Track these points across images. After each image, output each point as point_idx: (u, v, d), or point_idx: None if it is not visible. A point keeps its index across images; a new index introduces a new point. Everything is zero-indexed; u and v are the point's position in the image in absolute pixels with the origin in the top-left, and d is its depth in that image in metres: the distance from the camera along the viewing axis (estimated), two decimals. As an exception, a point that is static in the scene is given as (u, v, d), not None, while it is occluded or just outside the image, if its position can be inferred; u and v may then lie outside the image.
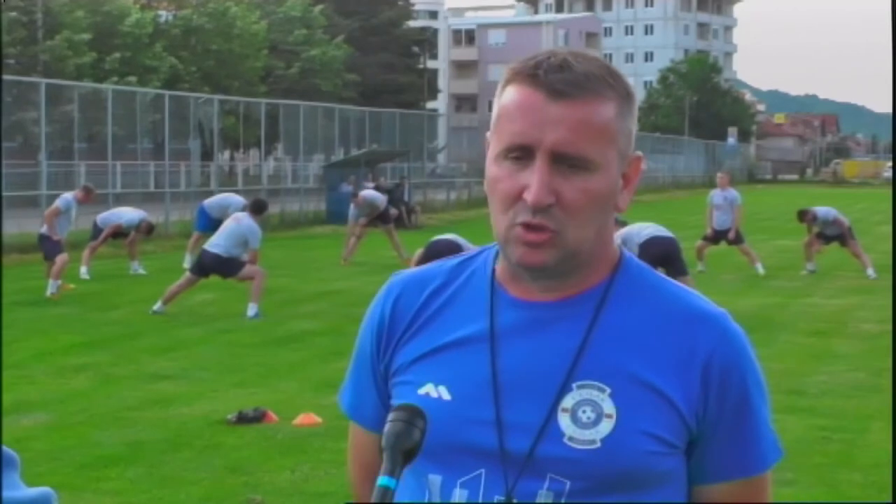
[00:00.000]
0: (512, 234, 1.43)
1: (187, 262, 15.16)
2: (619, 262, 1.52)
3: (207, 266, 12.11)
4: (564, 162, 1.41)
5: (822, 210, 16.76)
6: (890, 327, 10.98)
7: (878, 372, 9.10)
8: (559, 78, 1.41)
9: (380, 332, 1.57)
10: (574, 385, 1.45)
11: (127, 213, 16.16)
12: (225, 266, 12.06)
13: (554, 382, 1.45)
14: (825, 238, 16.77)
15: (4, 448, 1.29)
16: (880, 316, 12.23)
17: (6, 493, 1.26)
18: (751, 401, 1.49)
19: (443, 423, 1.41)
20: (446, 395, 1.48)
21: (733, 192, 17.09)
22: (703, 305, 1.51)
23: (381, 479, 1.30)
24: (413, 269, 1.62)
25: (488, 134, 1.49)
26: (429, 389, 1.49)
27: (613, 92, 1.44)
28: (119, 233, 15.83)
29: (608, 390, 1.44)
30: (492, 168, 1.45)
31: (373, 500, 1.30)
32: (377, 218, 18.49)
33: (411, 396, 1.50)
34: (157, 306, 12.16)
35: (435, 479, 1.48)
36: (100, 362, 9.54)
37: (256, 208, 12.73)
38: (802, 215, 16.82)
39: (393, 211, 20.29)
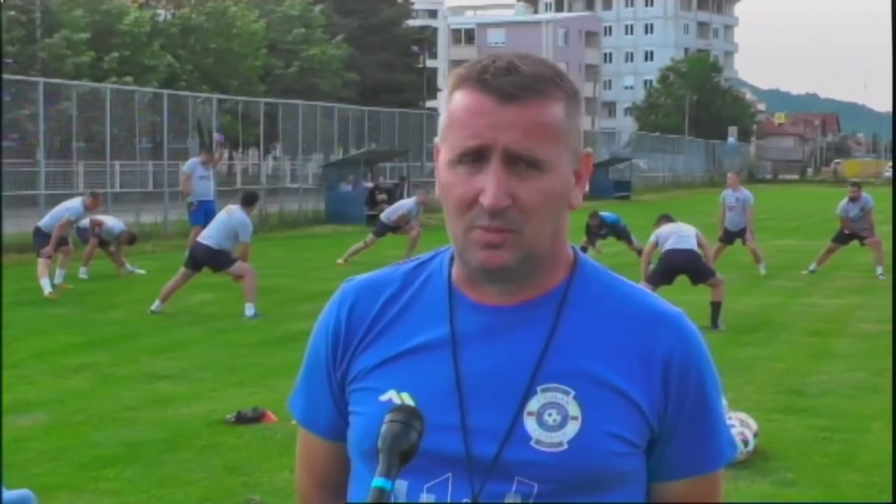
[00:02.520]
0: (470, 237, 1.44)
1: None
2: (575, 263, 1.53)
3: (199, 258, 12.11)
4: (518, 163, 1.42)
5: (865, 195, 16.81)
6: (890, 327, 10.97)
7: (878, 372, 9.09)
8: (508, 81, 1.42)
9: (336, 340, 1.57)
10: (538, 388, 1.45)
11: (108, 221, 16.00)
12: (216, 259, 12.04)
13: (518, 386, 1.46)
14: (845, 238, 16.77)
15: None
16: (880, 316, 12.22)
17: None
18: (708, 399, 1.51)
19: None
20: (409, 401, 1.47)
21: (745, 192, 17.13)
22: (660, 305, 1.53)
23: (377, 481, 1.30)
24: (366, 275, 1.61)
25: (436, 141, 1.50)
26: (391, 395, 1.49)
27: (561, 92, 1.45)
28: (101, 241, 15.71)
29: (572, 392, 1.45)
30: (445, 174, 1.46)
31: (368, 501, 1.29)
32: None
33: (372, 403, 1.50)
34: (155, 305, 12.16)
35: (401, 485, 1.47)
36: (98, 362, 9.52)
37: (247, 201, 12.70)
38: (855, 187, 16.88)
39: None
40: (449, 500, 1.45)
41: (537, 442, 1.44)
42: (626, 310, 1.50)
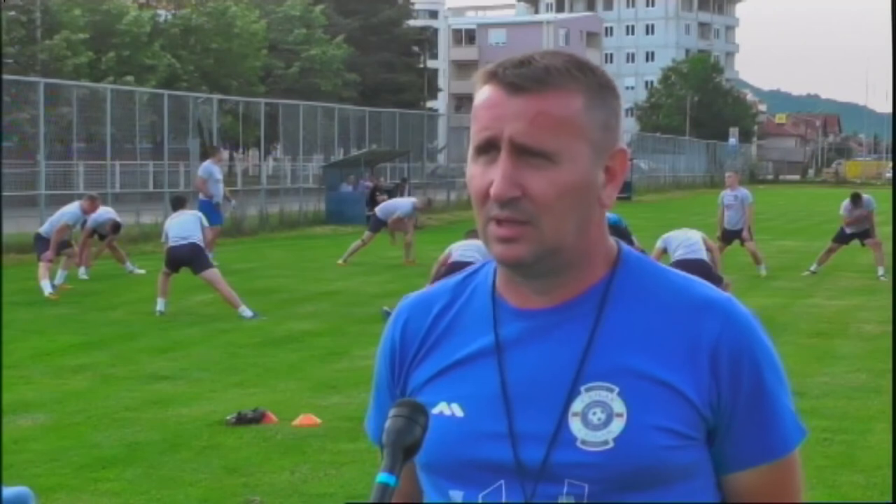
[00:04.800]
0: (488, 230, 1.45)
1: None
2: (618, 258, 1.51)
3: (183, 259, 12.22)
4: (527, 154, 1.41)
5: (867, 197, 16.77)
6: (891, 328, 10.95)
7: (879, 373, 9.07)
8: (517, 73, 1.42)
9: (392, 358, 1.59)
10: (582, 388, 1.45)
11: (97, 214, 15.93)
12: (199, 255, 12.25)
13: (562, 388, 1.45)
14: (846, 238, 16.75)
15: None
16: (881, 317, 12.20)
17: None
18: (766, 383, 1.48)
19: (458, 440, 1.42)
20: (459, 413, 1.48)
21: (743, 191, 17.15)
22: (707, 292, 1.50)
23: (381, 476, 1.30)
24: (420, 292, 1.63)
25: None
26: (442, 408, 1.50)
27: (579, 84, 1.44)
28: (98, 233, 15.72)
29: (616, 389, 1.44)
30: (469, 168, 1.47)
31: (372, 498, 1.28)
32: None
33: None
34: (159, 306, 12.18)
35: (456, 495, 1.48)
36: (98, 363, 9.51)
37: (180, 204, 13.53)
38: (855, 197, 16.74)
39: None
40: None
41: (583, 442, 1.42)
42: (670, 300, 1.48)
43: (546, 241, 1.42)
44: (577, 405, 1.44)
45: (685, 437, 1.43)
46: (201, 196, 18.19)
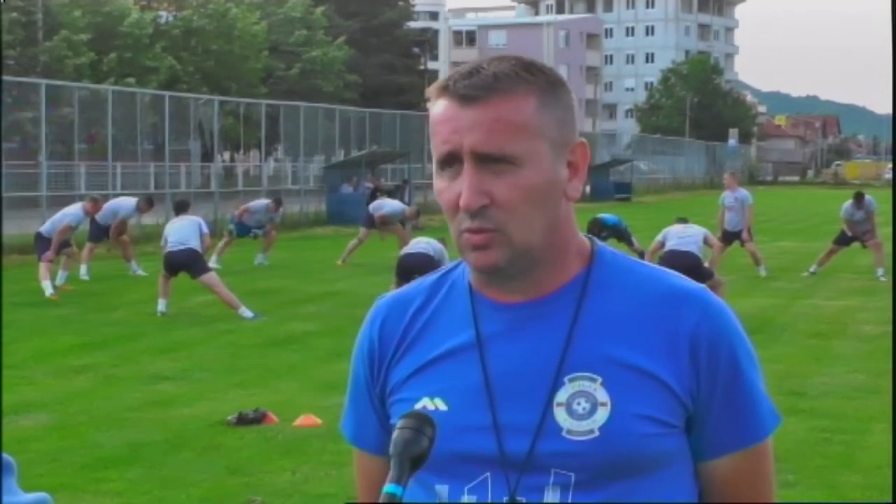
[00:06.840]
0: (462, 240, 1.47)
1: (213, 262, 15.70)
2: (593, 253, 1.55)
3: (180, 263, 12.26)
4: (489, 162, 1.44)
5: (868, 198, 16.83)
6: (890, 329, 10.97)
7: (878, 373, 9.09)
8: (466, 84, 1.45)
9: (371, 357, 1.61)
10: (565, 379, 1.47)
11: (124, 206, 16.04)
12: (196, 261, 12.29)
13: (545, 379, 1.48)
14: (847, 240, 16.77)
15: (2, 454, 1.29)
16: (881, 317, 12.23)
17: (4, 499, 1.26)
18: (742, 371, 1.51)
19: (442, 433, 1.43)
20: (443, 406, 1.50)
21: (743, 192, 17.18)
22: (682, 283, 1.55)
23: (388, 486, 1.31)
24: (395, 291, 1.65)
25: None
26: (425, 403, 1.51)
27: (529, 86, 1.46)
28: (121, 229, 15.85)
29: (599, 379, 1.47)
30: (435, 181, 1.50)
31: None
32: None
33: None
34: (160, 306, 12.21)
35: (442, 489, 1.50)
36: (100, 363, 9.54)
37: (183, 207, 13.67)
38: (858, 197, 16.79)
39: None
40: (490, 499, 1.47)
41: (569, 432, 1.45)
42: (647, 292, 1.52)
43: (516, 245, 1.46)
44: (562, 395, 1.46)
45: (667, 426, 1.47)
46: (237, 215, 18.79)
